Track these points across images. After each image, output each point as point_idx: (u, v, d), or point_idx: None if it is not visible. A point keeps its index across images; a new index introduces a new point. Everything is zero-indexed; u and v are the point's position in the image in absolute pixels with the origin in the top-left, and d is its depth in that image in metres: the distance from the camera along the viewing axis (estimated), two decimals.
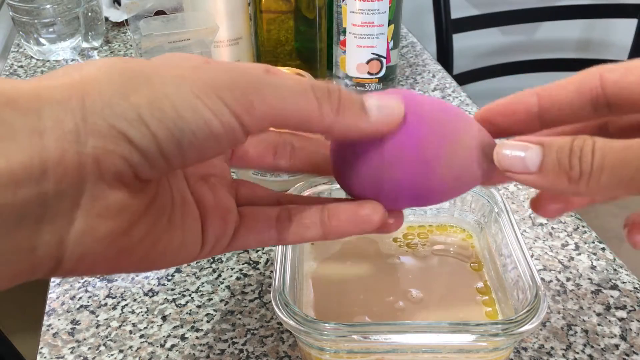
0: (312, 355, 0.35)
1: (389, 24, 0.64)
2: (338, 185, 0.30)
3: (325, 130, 0.25)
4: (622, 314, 0.43)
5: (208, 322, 0.42)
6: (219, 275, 0.46)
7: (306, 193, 0.41)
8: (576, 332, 0.41)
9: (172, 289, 0.45)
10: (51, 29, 0.82)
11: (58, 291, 0.45)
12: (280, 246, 0.36)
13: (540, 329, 0.42)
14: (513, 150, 0.25)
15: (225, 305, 0.44)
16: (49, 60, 0.84)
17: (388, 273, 0.41)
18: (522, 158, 0.24)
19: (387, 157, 0.26)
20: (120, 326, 0.42)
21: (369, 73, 0.66)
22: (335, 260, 0.43)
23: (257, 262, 0.48)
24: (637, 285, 0.45)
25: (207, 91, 0.22)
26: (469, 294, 0.39)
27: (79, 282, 0.46)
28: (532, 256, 0.48)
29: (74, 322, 0.43)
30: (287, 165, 0.31)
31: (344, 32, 0.65)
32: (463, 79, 1.26)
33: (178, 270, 0.47)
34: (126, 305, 0.44)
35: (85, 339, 0.41)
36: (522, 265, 0.36)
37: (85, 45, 0.87)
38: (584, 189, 0.23)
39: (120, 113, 0.21)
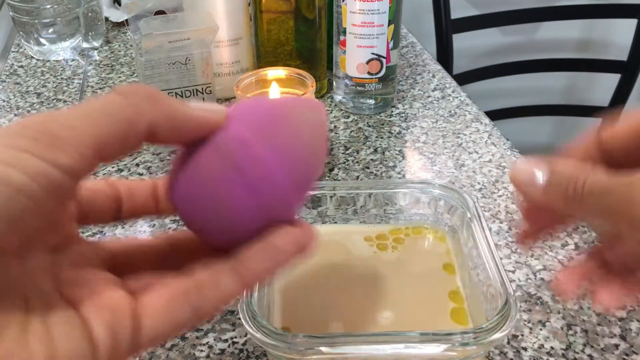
0: None
1: (388, 24, 0.64)
2: None
3: (147, 127, 0.21)
4: (621, 313, 0.43)
5: (208, 321, 0.42)
6: None
7: None
8: (576, 332, 0.41)
9: None
10: (51, 29, 0.82)
11: None
12: None
13: (540, 329, 0.42)
14: (528, 166, 0.29)
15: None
16: (49, 61, 0.84)
17: (359, 279, 0.41)
18: (533, 172, 0.29)
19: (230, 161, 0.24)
20: None
21: (369, 73, 0.66)
22: (306, 269, 0.42)
23: None
24: None
25: None
26: (440, 297, 0.39)
27: None
28: (503, 259, 0.48)
29: None
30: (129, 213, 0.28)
31: (344, 32, 0.65)
32: (463, 79, 1.26)
33: None
34: None
35: None
36: (493, 271, 0.35)
37: (85, 45, 0.87)
38: (574, 208, 0.27)
39: None
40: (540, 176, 0.29)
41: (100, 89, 0.76)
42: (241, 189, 0.23)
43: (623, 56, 1.26)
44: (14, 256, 0.21)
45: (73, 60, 0.84)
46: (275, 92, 0.56)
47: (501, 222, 0.52)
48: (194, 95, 0.60)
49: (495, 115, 1.31)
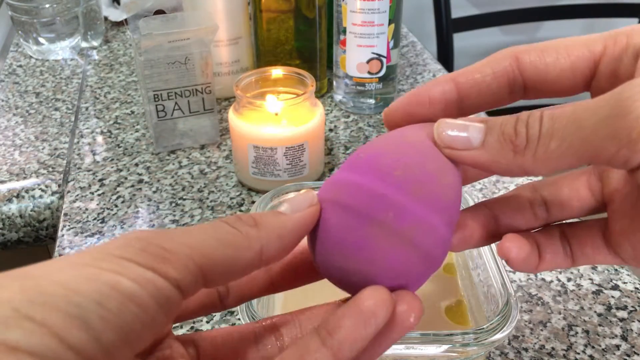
0: None
1: (389, 24, 0.64)
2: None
3: (258, 253, 0.21)
4: (623, 314, 0.43)
5: (208, 322, 0.42)
6: None
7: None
8: (577, 333, 0.41)
9: None
10: (50, 29, 0.82)
11: None
12: None
13: (541, 330, 0.41)
14: (454, 129, 0.23)
15: None
16: (48, 60, 0.84)
17: None
18: (464, 133, 0.23)
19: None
20: None
21: (369, 72, 0.66)
22: None
23: None
24: (638, 286, 0.45)
25: (103, 256, 0.18)
26: (441, 298, 0.39)
27: None
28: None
29: None
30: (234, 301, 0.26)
31: (344, 31, 0.65)
32: None
33: None
34: None
35: None
36: (493, 271, 0.35)
37: (84, 44, 0.87)
38: (530, 161, 0.21)
39: None
40: (475, 130, 0.23)
41: (99, 88, 0.76)
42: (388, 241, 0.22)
43: None
44: None
45: (72, 59, 0.84)
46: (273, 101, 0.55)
47: None
48: (193, 94, 0.60)
49: (495, 114, 1.31)
